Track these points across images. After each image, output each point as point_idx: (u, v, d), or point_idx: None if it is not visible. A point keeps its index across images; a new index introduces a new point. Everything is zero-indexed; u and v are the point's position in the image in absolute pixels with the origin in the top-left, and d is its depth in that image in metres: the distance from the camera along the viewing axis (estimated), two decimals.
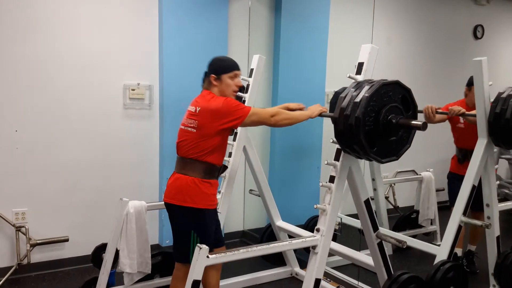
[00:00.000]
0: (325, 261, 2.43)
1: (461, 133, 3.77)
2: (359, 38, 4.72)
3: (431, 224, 4.45)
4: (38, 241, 3.50)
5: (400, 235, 3.82)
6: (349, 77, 2.41)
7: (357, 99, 2.15)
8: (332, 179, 2.44)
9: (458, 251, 3.84)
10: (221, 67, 2.57)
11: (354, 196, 2.58)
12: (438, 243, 4.28)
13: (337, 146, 2.45)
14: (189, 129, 2.46)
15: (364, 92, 2.15)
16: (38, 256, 3.59)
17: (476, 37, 5.77)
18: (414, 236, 4.24)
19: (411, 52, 5.10)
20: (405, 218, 4.44)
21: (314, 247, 2.40)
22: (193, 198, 2.43)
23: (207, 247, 2.05)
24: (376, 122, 2.17)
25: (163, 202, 2.64)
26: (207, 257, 2.05)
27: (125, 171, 3.91)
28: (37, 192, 3.56)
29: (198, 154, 2.43)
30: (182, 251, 2.48)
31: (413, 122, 2.16)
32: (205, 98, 2.48)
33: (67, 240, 3.63)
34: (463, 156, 3.75)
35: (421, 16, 5.28)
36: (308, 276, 2.39)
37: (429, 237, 4.46)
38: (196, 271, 2.03)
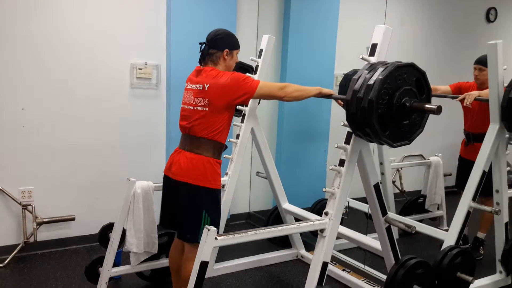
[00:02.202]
0: (332, 245, 2.41)
1: (467, 113, 3.75)
2: (370, 20, 4.66)
3: (438, 209, 4.43)
4: (44, 220, 3.51)
5: (408, 220, 3.81)
6: (362, 58, 2.35)
7: (371, 81, 2.10)
8: (342, 163, 2.40)
9: (482, 236, 3.83)
10: (235, 42, 2.53)
11: (364, 180, 2.55)
12: (444, 228, 4.28)
13: (348, 129, 2.42)
14: (199, 108, 2.41)
15: (378, 74, 2.09)
16: (45, 234, 3.60)
17: (488, 20, 5.66)
18: (420, 221, 4.23)
19: (423, 34, 5.01)
20: (412, 203, 4.41)
21: (322, 230, 2.38)
22: (209, 178, 2.41)
23: (215, 228, 2.04)
24: (389, 105, 2.12)
25: None
26: (216, 238, 2.03)
27: (132, 151, 3.89)
28: (43, 171, 3.55)
29: (212, 133, 2.41)
30: (191, 231, 2.43)
31: (427, 105, 2.11)
32: (210, 74, 2.41)
33: (73, 219, 3.64)
34: (467, 139, 3.74)
35: (435, 1, 5.18)
36: (316, 259, 2.37)
37: (436, 222, 4.45)
38: (204, 253, 2.01)
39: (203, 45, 2.50)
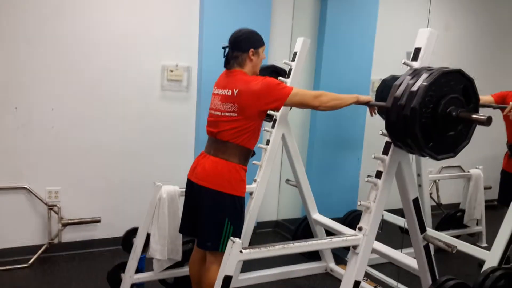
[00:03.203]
0: (366, 262, 2.25)
1: (510, 125, 3.54)
2: (410, 24, 4.47)
3: (477, 224, 4.20)
4: (69, 221, 3.47)
5: (445, 236, 3.61)
6: (404, 63, 2.19)
7: (414, 88, 1.93)
8: (379, 175, 2.24)
9: None
10: (258, 40, 2.41)
11: (402, 194, 2.38)
12: (483, 245, 4.05)
13: (387, 138, 2.25)
14: (228, 114, 2.30)
15: (422, 81, 1.93)
16: (69, 235, 3.56)
17: None
18: (458, 236, 4.02)
19: (468, 39, 4.79)
20: (449, 217, 4.20)
21: (355, 246, 2.23)
22: (233, 185, 2.31)
23: (240, 241, 1.92)
24: (433, 114, 1.95)
25: None
26: (241, 251, 1.91)
27: (160, 154, 3.82)
28: (71, 172, 3.52)
29: (240, 138, 2.30)
30: (213, 239, 2.31)
31: (476, 116, 1.94)
32: (240, 79, 2.31)
33: (99, 221, 3.59)
34: (511, 152, 3.52)
35: (477, 2, 4.94)
36: (347, 278, 2.22)
37: (474, 238, 4.22)
38: (228, 266, 1.89)
39: (227, 49, 2.40)
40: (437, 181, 4.61)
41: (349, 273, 2.22)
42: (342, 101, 2.35)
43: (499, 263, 2.76)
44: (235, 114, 2.28)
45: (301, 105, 2.35)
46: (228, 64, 2.41)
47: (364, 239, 2.21)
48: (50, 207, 3.41)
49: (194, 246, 2.61)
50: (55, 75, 3.37)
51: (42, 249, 3.39)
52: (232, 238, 1.91)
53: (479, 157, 4.57)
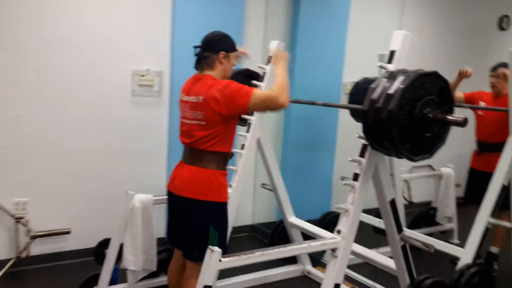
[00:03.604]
0: (345, 265, 2.25)
1: (480, 122, 3.63)
2: (381, 27, 4.53)
3: (449, 221, 4.28)
4: (38, 233, 3.34)
5: (418, 235, 3.66)
6: (380, 66, 2.20)
7: (391, 91, 1.94)
8: (356, 177, 2.24)
9: (495, 250, 3.66)
10: (231, 45, 2.36)
11: (379, 196, 2.39)
12: (455, 242, 4.14)
13: (363, 141, 2.25)
14: (198, 122, 2.24)
15: (398, 83, 1.94)
16: (39, 248, 3.42)
17: (501, 28, 5.54)
18: (430, 234, 4.08)
19: (436, 43, 4.89)
20: (422, 215, 4.26)
21: (334, 249, 2.22)
22: (214, 191, 2.26)
23: (219, 249, 1.88)
24: (410, 117, 1.97)
25: None
26: (220, 260, 1.87)
27: (132, 162, 3.72)
28: (39, 182, 3.38)
29: (213, 146, 2.25)
30: (199, 249, 2.20)
31: (452, 117, 1.95)
32: (205, 85, 2.23)
33: (69, 232, 3.47)
34: (480, 148, 3.61)
35: (447, 6, 5.05)
36: (327, 281, 2.21)
37: (446, 235, 4.29)
38: (207, 276, 1.85)
39: (198, 49, 2.34)
40: (408, 180, 4.68)
41: (329, 276, 2.20)
42: (285, 80, 2.26)
43: (474, 260, 2.81)
44: (204, 122, 2.23)
45: (263, 104, 2.19)
46: (198, 64, 2.35)
47: (343, 242, 2.21)
48: (17, 220, 3.27)
49: (174, 254, 2.55)
50: (21, 82, 3.24)
51: (9, 264, 3.24)
52: (210, 247, 1.86)
53: (447, 155, 4.66)
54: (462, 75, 3.48)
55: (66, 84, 3.39)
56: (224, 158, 2.31)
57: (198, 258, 2.23)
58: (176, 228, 2.41)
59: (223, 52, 2.31)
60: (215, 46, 2.31)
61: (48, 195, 3.42)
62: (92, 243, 2.91)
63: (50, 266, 3.46)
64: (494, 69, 3.46)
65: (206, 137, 2.24)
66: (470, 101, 3.67)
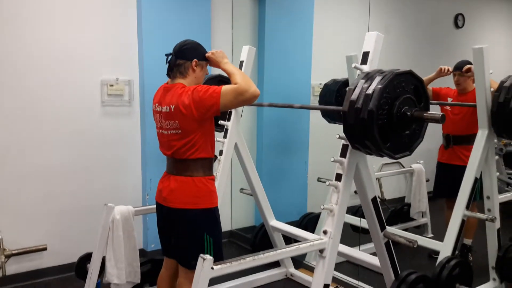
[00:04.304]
0: (333, 265, 2.28)
1: (447, 117, 3.74)
2: (346, 28, 4.62)
3: (422, 216, 4.39)
4: (13, 252, 3.24)
5: (397, 231, 3.74)
6: (355, 67, 2.25)
7: (369, 91, 1.98)
8: (338, 177, 2.28)
9: (468, 242, 3.77)
10: (203, 52, 2.33)
11: (361, 194, 2.43)
12: (429, 236, 4.24)
13: (343, 141, 2.29)
14: (174, 131, 2.22)
15: (376, 83, 1.98)
16: (14, 267, 3.32)
17: (457, 26, 5.73)
18: (405, 230, 4.18)
19: (395, 41, 5.01)
20: (397, 212, 4.35)
21: (321, 250, 2.24)
22: (203, 198, 2.25)
23: (211, 257, 1.87)
24: (389, 116, 2.01)
25: (150, 206, 2.48)
26: (212, 268, 1.86)
27: (105, 173, 3.66)
28: (11, 200, 3.29)
29: (195, 153, 2.23)
30: (195, 257, 2.07)
31: (430, 114, 2.01)
32: (175, 93, 2.21)
33: (45, 249, 3.37)
34: (447, 142, 3.71)
35: (405, 6, 5.19)
36: (316, 282, 2.23)
37: (419, 230, 4.40)
38: (200, 285, 1.84)
39: (170, 56, 2.32)
40: (379, 178, 4.77)
41: (318, 277, 2.23)
42: (241, 72, 2.25)
43: (452, 253, 2.89)
44: (180, 131, 2.21)
45: (239, 102, 2.18)
46: (171, 71, 2.32)
47: (329, 242, 2.24)
48: None
49: (164, 263, 2.51)
50: None
51: None
52: (202, 255, 1.85)
53: (414, 152, 4.79)
54: (442, 73, 3.57)
55: (32, 98, 3.32)
56: (208, 163, 2.30)
57: (196, 266, 2.21)
58: (168, 239, 2.38)
59: (195, 60, 2.29)
60: (187, 53, 2.29)
61: (21, 212, 3.33)
62: (70, 259, 2.86)
63: (28, 284, 3.37)
64: (458, 68, 3.56)
65: (185, 145, 2.22)
66: (437, 96, 3.77)
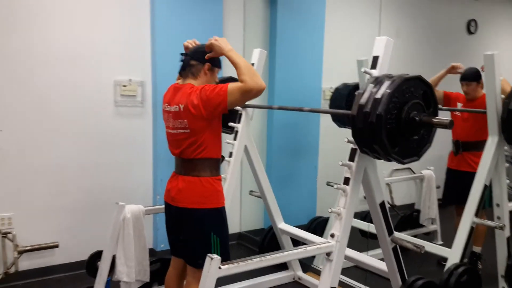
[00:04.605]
0: (340, 269, 2.29)
1: (457, 122, 3.72)
2: (357, 32, 4.63)
3: (432, 223, 4.37)
4: (26, 248, 3.30)
5: (407, 237, 3.73)
6: (364, 71, 2.26)
7: (378, 95, 1.99)
8: (347, 181, 2.29)
9: (477, 250, 3.74)
10: (218, 60, 2.37)
11: (369, 199, 2.44)
12: (438, 243, 4.22)
13: (352, 145, 2.31)
14: (183, 131, 2.26)
15: (385, 88, 1.99)
16: (27, 263, 3.38)
17: (469, 32, 5.71)
18: (415, 236, 4.16)
19: (406, 45, 5.01)
20: (406, 218, 4.34)
21: (328, 253, 2.25)
22: (210, 198, 2.28)
23: (218, 257, 1.89)
24: (398, 120, 2.03)
25: (161, 206, 2.50)
26: (219, 267, 1.89)
27: (117, 173, 3.71)
28: (24, 196, 3.34)
29: (202, 153, 2.26)
30: (203, 255, 2.08)
31: (438, 119, 2.02)
32: (184, 93, 2.24)
33: (57, 246, 3.42)
34: (456, 148, 3.69)
35: (417, 11, 5.18)
36: (323, 285, 2.24)
37: (429, 236, 4.38)
38: (208, 284, 1.86)
39: (184, 56, 2.36)
40: (390, 183, 4.76)
41: (325, 280, 2.24)
42: (247, 63, 2.22)
43: (461, 260, 2.88)
44: (188, 130, 2.24)
45: (246, 98, 2.19)
46: (183, 70, 2.36)
47: (337, 246, 2.25)
48: (4, 235, 3.22)
49: (171, 262, 2.55)
50: (2, 94, 3.21)
51: None
52: (209, 255, 1.88)
53: (424, 158, 4.77)
54: (453, 70, 3.58)
55: (47, 97, 3.38)
56: (215, 163, 2.33)
57: (203, 265, 2.24)
58: (177, 238, 2.41)
59: (209, 64, 2.33)
60: (202, 56, 2.32)
61: (34, 209, 3.39)
62: (81, 256, 2.90)
63: (39, 280, 3.42)
64: (465, 78, 3.55)
65: (192, 145, 2.25)
66: (448, 99, 3.76)
